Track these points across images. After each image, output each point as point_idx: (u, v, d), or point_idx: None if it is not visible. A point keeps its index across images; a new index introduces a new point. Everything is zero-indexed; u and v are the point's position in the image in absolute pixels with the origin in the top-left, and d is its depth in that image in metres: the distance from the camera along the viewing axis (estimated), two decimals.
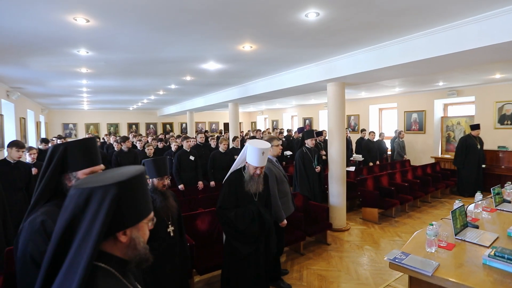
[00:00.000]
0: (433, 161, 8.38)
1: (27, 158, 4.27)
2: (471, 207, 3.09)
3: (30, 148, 4.35)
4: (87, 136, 10.57)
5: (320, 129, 10.55)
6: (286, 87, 5.66)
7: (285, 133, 10.21)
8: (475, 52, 3.06)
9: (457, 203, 2.82)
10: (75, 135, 13.47)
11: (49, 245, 0.85)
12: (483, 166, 6.74)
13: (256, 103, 10.82)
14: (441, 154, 8.69)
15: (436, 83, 7.32)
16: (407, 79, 6.46)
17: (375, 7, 2.61)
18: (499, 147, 7.16)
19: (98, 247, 0.80)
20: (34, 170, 4.16)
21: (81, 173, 1.30)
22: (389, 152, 8.80)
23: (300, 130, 7.98)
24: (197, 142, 6.29)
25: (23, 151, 3.94)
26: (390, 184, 6.03)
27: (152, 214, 0.96)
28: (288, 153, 8.20)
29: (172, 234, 2.34)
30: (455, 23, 3.03)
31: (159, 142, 7.47)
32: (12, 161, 3.80)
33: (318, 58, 4.52)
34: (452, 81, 7.06)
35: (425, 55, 3.35)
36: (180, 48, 3.83)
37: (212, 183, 5.39)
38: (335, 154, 4.93)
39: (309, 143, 4.92)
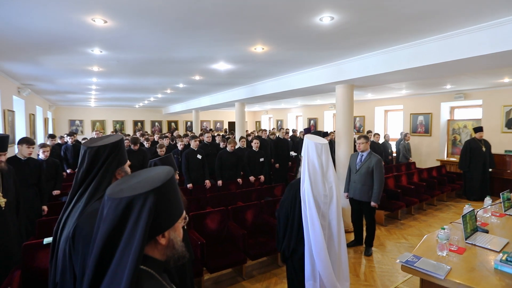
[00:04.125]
0: (438, 164, 8.37)
1: (40, 155, 4.33)
2: (480, 211, 3.11)
3: (44, 145, 4.39)
4: (94, 132, 10.65)
5: (325, 130, 10.57)
6: (294, 88, 5.69)
7: (290, 133, 10.23)
8: (488, 57, 3.07)
9: (467, 208, 2.84)
10: (82, 132, 13.59)
11: (92, 255, 0.86)
12: (490, 170, 6.72)
13: (262, 102, 10.84)
14: (446, 157, 8.68)
15: (443, 86, 7.31)
16: (414, 81, 6.46)
17: (391, 11, 2.63)
18: (506, 151, 7.14)
19: (142, 253, 0.81)
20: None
21: (126, 165, 1.45)
22: (394, 154, 8.80)
23: (306, 130, 8.01)
24: (204, 142, 6.34)
25: (33, 148, 3.96)
26: (396, 186, 6.05)
27: (184, 213, 0.99)
28: (293, 153, 8.25)
29: (185, 227, 2.41)
30: (468, 28, 3.04)
31: (164, 139, 7.53)
32: (22, 158, 3.81)
33: (328, 60, 4.54)
34: (460, 84, 7.04)
35: (437, 60, 3.36)
36: (192, 48, 3.87)
37: (220, 182, 5.44)
38: (343, 156, 4.95)
39: None
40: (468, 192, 6.88)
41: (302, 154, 2.24)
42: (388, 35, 3.28)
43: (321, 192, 2.13)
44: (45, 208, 3.95)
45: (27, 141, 3.85)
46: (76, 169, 1.42)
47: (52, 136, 6.53)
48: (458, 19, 2.85)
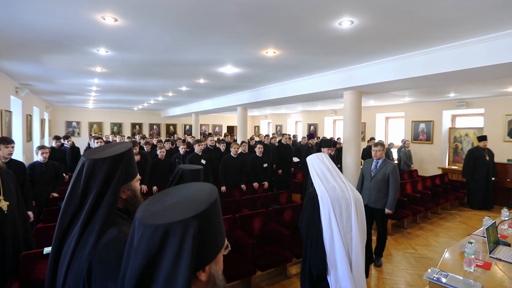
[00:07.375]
0: (440, 171, 8.35)
1: (39, 157, 4.15)
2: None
3: (42, 147, 4.22)
4: (93, 135, 10.45)
5: (325, 136, 10.50)
6: (301, 93, 5.61)
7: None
8: (504, 67, 3.03)
9: (487, 219, 2.77)
10: (78, 133, 13.33)
11: None
12: (493, 178, 6.70)
13: (263, 107, 10.78)
14: (448, 165, 8.67)
15: (447, 94, 7.32)
16: (419, 89, 6.44)
17: (412, 17, 2.57)
18: (508, 160, 7.14)
19: None
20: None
21: (134, 181, 1.26)
22: (395, 161, 8.76)
23: (310, 136, 7.93)
24: (208, 145, 6.21)
25: (12, 147, 3.52)
26: (402, 194, 5.97)
27: (226, 240, 0.84)
28: (296, 159, 8.15)
29: None
30: (485, 36, 3.00)
31: (166, 143, 7.38)
32: (3, 160, 3.35)
33: (338, 66, 4.48)
34: (463, 92, 7.05)
35: (452, 68, 3.31)
36: (201, 50, 3.77)
37: (223, 188, 5.30)
38: (351, 163, 4.87)
39: (326, 152, 4.86)
40: (472, 201, 6.84)
41: (310, 173, 2.32)
42: (405, 41, 3.22)
43: (336, 186, 2.18)
44: (30, 214, 3.44)
45: (5, 140, 3.42)
46: (72, 181, 1.17)
47: (57, 138, 6.26)
48: (476, 27, 2.81)
